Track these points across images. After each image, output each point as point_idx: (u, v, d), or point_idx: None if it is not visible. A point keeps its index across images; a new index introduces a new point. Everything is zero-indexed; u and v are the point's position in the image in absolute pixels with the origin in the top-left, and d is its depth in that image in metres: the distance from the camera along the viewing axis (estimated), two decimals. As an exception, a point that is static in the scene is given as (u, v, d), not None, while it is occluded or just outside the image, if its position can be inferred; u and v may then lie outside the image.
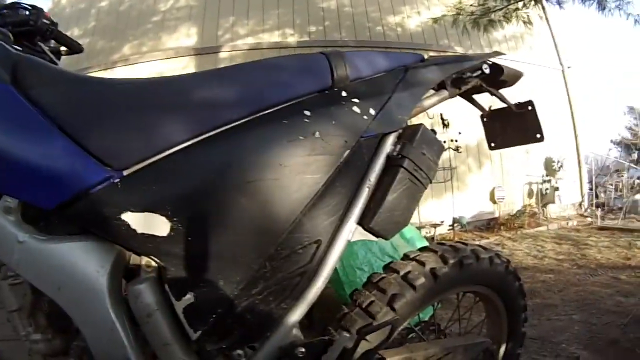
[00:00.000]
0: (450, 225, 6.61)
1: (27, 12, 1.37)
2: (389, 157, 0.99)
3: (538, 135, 1.27)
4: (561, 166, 7.86)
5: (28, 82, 0.81)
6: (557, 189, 7.73)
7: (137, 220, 0.82)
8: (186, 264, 0.86)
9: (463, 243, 1.21)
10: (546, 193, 7.77)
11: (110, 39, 7.01)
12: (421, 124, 1.05)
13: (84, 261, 0.82)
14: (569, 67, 8.72)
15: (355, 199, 0.95)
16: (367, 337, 0.97)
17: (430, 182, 1.05)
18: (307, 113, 0.92)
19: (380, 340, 0.99)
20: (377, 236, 0.98)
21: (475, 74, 1.18)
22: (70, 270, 0.82)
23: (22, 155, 0.77)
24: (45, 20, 1.40)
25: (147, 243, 0.83)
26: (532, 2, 5.64)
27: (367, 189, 0.96)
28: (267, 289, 0.91)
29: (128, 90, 0.89)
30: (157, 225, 0.83)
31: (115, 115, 0.84)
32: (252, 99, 0.91)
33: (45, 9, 1.50)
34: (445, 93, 1.16)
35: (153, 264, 0.87)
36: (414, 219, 5.97)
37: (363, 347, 0.97)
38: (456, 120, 6.04)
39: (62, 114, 0.80)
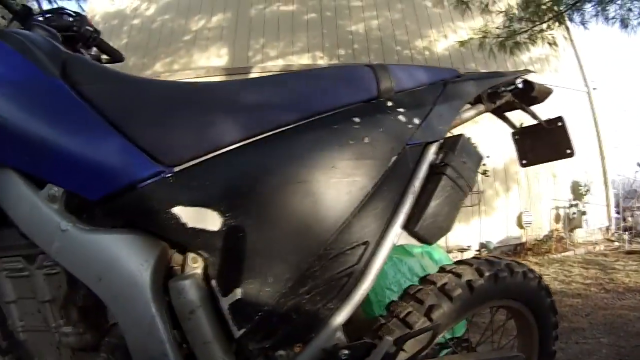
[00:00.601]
0: (477, 250, 6.55)
1: (71, 19, 1.39)
2: (431, 166, 1.02)
3: (568, 151, 1.29)
4: (588, 190, 7.72)
5: (78, 79, 0.84)
6: (584, 213, 7.56)
7: (188, 215, 0.82)
8: (235, 260, 0.86)
9: (497, 257, 1.23)
10: (573, 217, 7.60)
11: (142, 55, 7.21)
12: (462, 134, 1.09)
13: (127, 254, 0.82)
14: (594, 89, 8.63)
15: (401, 204, 0.97)
16: (405, 347, 0.97)
17: (471, 190, 1.08)
18: (357, 120, 0.95)
19: (418, 350, 0.99)
20: (421, 241, 1.00)
21: (509, 88, 1.21)
22: (112, 262, 0.81)
23: (70, 145, 0.80)
24: (88, 27, 1.42)
25: (196, 237, 0.83)
26: (557, 24, 5.65)
27: (411, 195, 0.98)
28: (314, 289, 0.90)
29: (181, 91, 0.93)
30: (209, 220, 0.84)
31: (169, 114, 0.86)
32: (304, 105, 0.94)
33: None
34: (481, 107, 1.20)
35: (199, 260, 0.86)
36: (442, 242, 5.94)
37: (400, 357, 0.97)
38: (484, 144, 6.01)
39: (112, 110, 0.83)
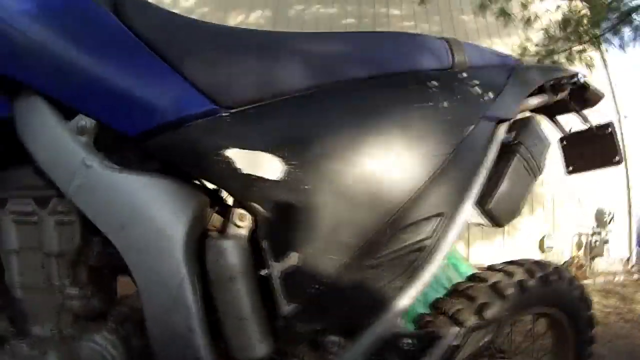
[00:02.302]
0: (498, 271, 6.46)
1: None
2: (503, 145, 0.98)
3: (617, 158, 1.27)
4: (612, 218, 7.58)
5: (130, 15, 0.76)
6: (606, 242, 7.43)
7: (243, 159, 0.72)
8: (295, 216, 0.76)
9: (544, 261, 1.22)
10: (595, 245, 7.47)
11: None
12: (533, 116, 1.07)
13: (161, 201, 0.71)
14: (625, 117, 8.47)
15: (475, 179, 0.91)
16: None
17: (540, 174, 1.04)
18: (434, 83, 0.90)
19: (478, 345, 0.95)
20: (493, 221, 0.96)
21: (572, 81, 1.18)
22: (141, 208, 0.70)
23: (115, 75, 0.72)
24: None
25: (250, 185, 0.74)
26: (592, 47, 5.56)
27: (484, 170, 0.93)
28: (381, 262, 0.81)
29: (246, 35, 0.87)
30: (268, 166, 0.74)
31: (231, 56, 0.79)
32: (377, 61, 0.89)
33: None
34: (545, 97, 1.16)
35: (246, 218, 0.77)
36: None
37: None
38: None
39: (166, 47, 0.75)
